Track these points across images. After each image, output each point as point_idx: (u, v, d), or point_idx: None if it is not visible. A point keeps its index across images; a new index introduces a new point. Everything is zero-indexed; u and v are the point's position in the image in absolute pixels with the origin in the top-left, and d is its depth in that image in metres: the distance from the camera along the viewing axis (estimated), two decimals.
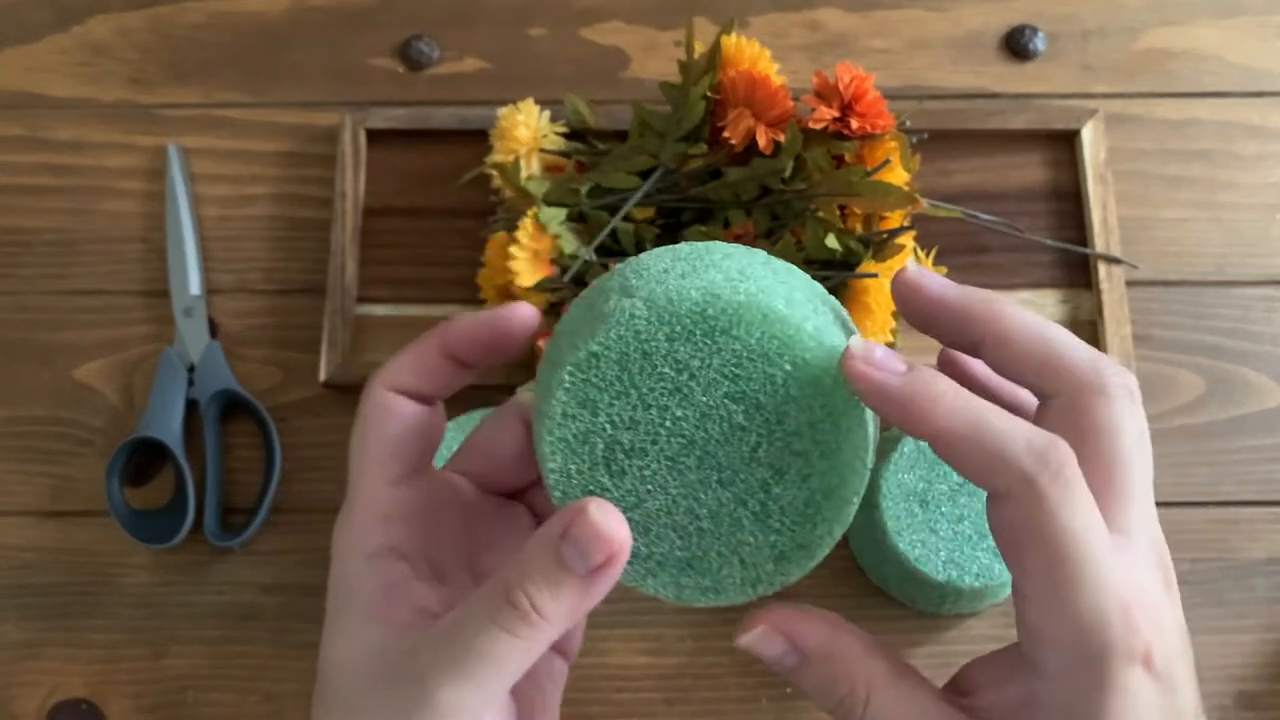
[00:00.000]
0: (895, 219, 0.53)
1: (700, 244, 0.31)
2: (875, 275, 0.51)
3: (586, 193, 0.54)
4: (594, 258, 0.53)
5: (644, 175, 0.54)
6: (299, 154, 0.63)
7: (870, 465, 0.29)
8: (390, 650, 0.29)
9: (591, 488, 0.28)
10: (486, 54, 0.65)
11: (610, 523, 0.27)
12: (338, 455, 0.57)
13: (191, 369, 0.57)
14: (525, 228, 0.52)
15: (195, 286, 0.59)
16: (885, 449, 0.52)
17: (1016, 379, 0.29)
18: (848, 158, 0.53)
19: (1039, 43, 0.64)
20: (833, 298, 0.32)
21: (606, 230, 0.53)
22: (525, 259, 0.52)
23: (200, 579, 0.55)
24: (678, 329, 0.28)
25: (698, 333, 0.28)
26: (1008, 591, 0.52)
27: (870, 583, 0.54)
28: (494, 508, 0.34)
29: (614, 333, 0.28)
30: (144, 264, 0.61)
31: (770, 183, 0.53)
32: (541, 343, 0.49)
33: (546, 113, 0.56)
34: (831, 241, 0.51)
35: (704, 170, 0.54)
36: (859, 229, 0.54)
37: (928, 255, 0.56)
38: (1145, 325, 0.59)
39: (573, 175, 0.55)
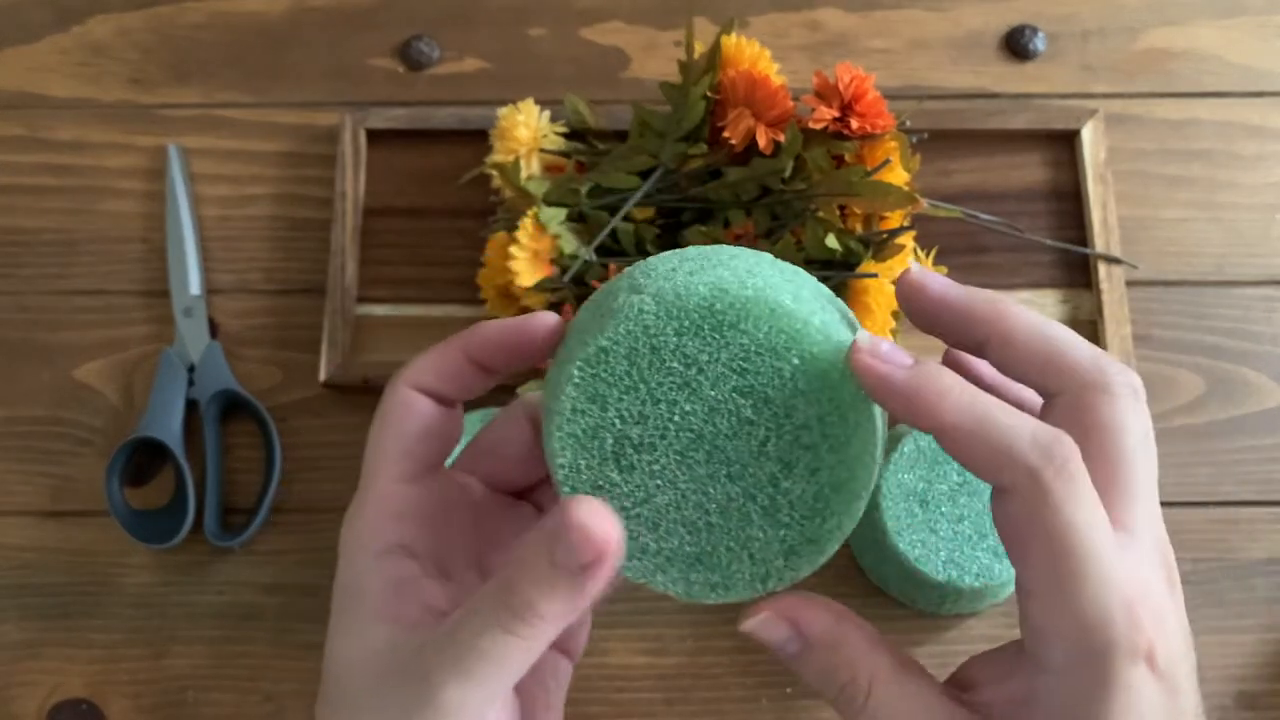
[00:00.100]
0: (895, 219, 0.53)
1: (707, 247, 0.31)
2: (875, 275, 0.51)
3: (586, 193, 0.54)
4: (594, 258, 0.53)
5: (644, 175, 0.54)
6: (299, 154, 0.63)
7: (879, 460, 0.29)
8: (398, 649, 0.29)
9: (600, 483, 0.28)
10: (486, 54, 0.65)
11: (597, 521, 0.27)
12: (338, 455, 0.57)
13: (191, 369, 0.57)
14: (525, 228, 0.52)
15: (195, 286, 0.59)
16: (885, 449, 0.52)
17: (1021, 378, 0.29)
18: (848, 158, 0.53)
19: (1039, 43, 0.64)
20: (838, 299, 0.32)
21: (606, 230, 0.53)
22: (525, 259, 0.52)
23: (200, 579, 0.55)
24: (686, 324, 0.28)
25: (706, 327, 0.28)
26: (1008, 591, 0.52)
27: (870, 583, 0.54)
28: (502, 507, 0.34)
29: (622, 328, 0.28)
30: (144, 264, 0.61)
31: (770, 183, 0.53)
32: None
33: (546, 113, 0.56)
34: (831, 241, 0.51)
35: (704, 170, 0.54)
36: (859, 229, 0.54)
37: (928, 255, 0.56)
38: (1145, 325, 0.59)
39: (573, 175, 0.55)
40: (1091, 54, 0.64)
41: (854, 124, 0.51)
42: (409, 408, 0.31)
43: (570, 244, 0.53)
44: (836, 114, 0.52)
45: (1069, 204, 0.61)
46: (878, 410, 0.29)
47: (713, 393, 0.28)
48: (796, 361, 0.28)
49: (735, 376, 0.28)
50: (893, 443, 0.52)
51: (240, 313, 0.59)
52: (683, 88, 0.54)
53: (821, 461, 0.28)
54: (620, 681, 0.53)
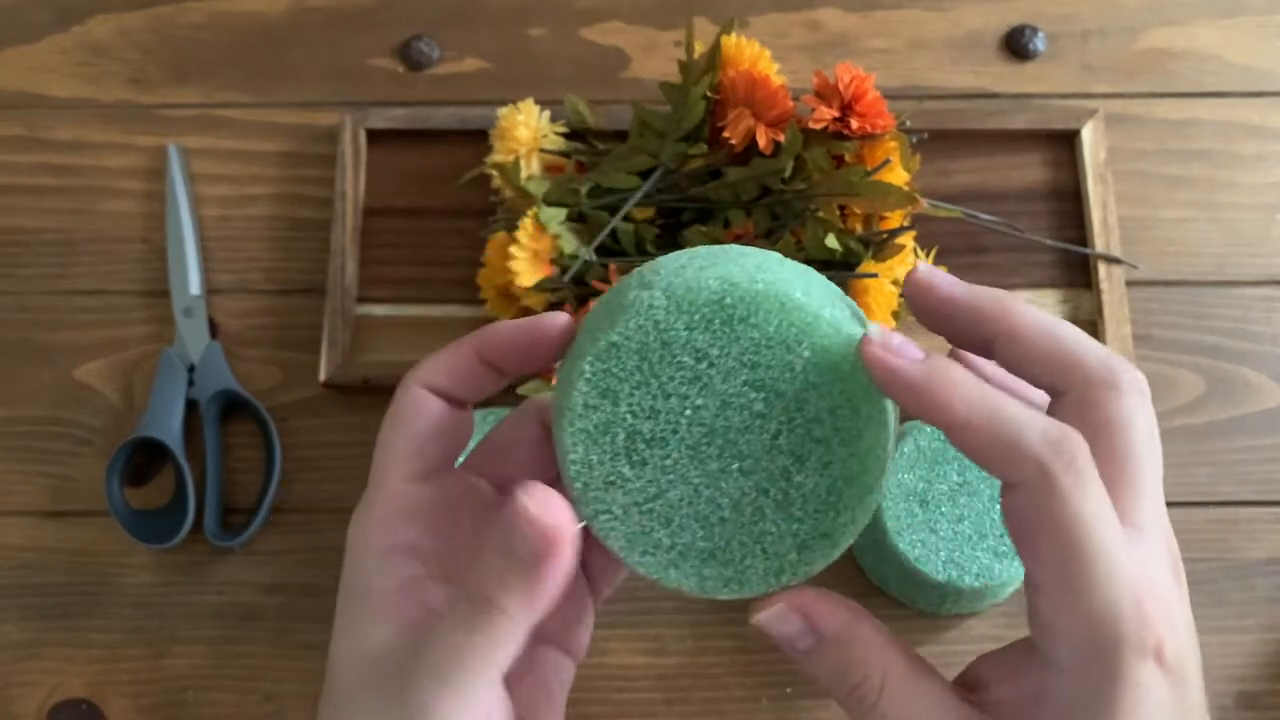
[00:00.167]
0: (895, 219, 0.53)
1: (715, 246, 0.31)
2: (875, 275, 0.51)
3: (586, 193, 0.54)
4: (594, 258, 0.53)
5: (644, 175, 0.54)
6: (299, 154, 0.63)
7: (891, 454, 0.29)
8: (393, 651, 0.29)
9: (612, 478, 0.28)
10: (486, 54, 0.65)
11: (547, 510, 0.27)
12: (338, 455, 0.57)
13: (191, 369, 0.57)
14: (525, 228, 0.52)
15: (195, 286, 0.59)
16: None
17: (1028, 375, 0.29)
18: (848, 158, 0.53)
19: (1039, 43, 0.64)
20: (847, 296, 0.32)
21: (606, 230, 0.53)
22: (525, 259, 0.52)
23: (200, 579, 0.55)
24: (696, 318, 0.28)
25: (716, 321, 0.28)
26: (1008, 591, 0.52)
27: (870, 583, 0.54)
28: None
29: (633, 322, 0.28)
30: (144, 264, 0.61)
31: (770, 183, 0.53)
32: None
33: (546, 113, 0.56)
34: (831, 241, 0.51)
35: (704, 170, 0.54)
36: (859, 229, 0.54)
37: (928, 255, 0.56)
38: (1145, 325, 0.59)
39: (573, 175, 0.55)
40: (1091, 54, 0.64)
41: (854, 124, 0.51)
42: (420, 407, 0.31)
43: (570, 244, 0.53)
44: (836, 114, 0.52)
45: (1069, 204, 0.61)
46: (889, 404, 0.29)
47: (724, 387, 0.28)
48: (807, 355, 0.28)
49: (746, 370, 0.28)
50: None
51: (240, 313, 0.59)
52: (683, 88, 0.54)
53: (833, 455, 0.28)
54: (620, 681, 0.53)
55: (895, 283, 0.52)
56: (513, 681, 0.31)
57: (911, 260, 0.53)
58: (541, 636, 0.33)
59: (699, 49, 0.54)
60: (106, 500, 0.54)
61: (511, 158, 0.55)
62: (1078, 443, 0.26)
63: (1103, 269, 0.58)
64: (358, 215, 0.60)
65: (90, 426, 0.57)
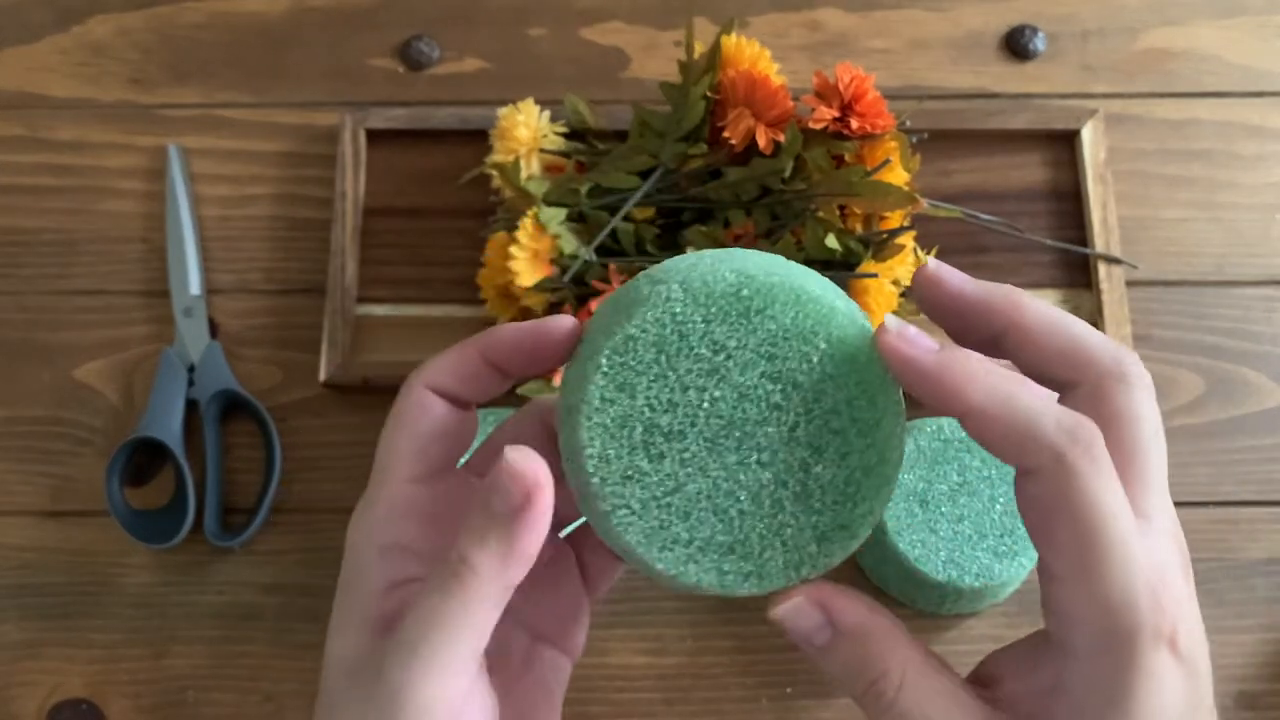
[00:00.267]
0: (895, 219, 0.53)
1: (720, 249, 0.31)
2: (875, 275, 0.51)
3: (586, 193, 0.54)
4: (594, 258, 0.53)
5: (644, 175, 0.54)
6: (299, 154, 0.63)
7: (905, 445, 0.29)
8: (376, 646, 0.29)
9: (630, 472, 0.28)
10: (486, 54, 0.65)
11: (527, 460, 0.27)
12: (338, 455, 0.57)
13: (191, 369, 0.57)
14: (525, 228, 0.52)
15: (195, 286, 0.59)
16: None
17: (1038, 368, 0.29)
18: (848, 158, 0.53)
19: (1039, 43, 0.64)
20: (847, 296, 0.32)
21: (606, 230, 0.53)
22: (525, 259, 0.52)
23: (200, 579, 0.55)
24: (713, 310, 0.28)
25: (733, 313, 0.28)
26: (1008, 591, 0.52)
27: (870, 583, 0.54)
28: None
29: (650, 315, 0.28)
30: (144, 264, 0.61)
31: (770, 183, 0.53)
32: None
33: (546, 113, 0.56)
34: (831, 241, 0.51)
35: (704, 170, 0.54)
36: (859, 229, 0.54)
37: (928, 255, 0.56)
38: (1145, 325, 0.59)
39: (573, 175, 0.55)
40: (1091, 54, 0.64)
41: (854, 124, 0.51)
42: (425, 408, 0.31)
43: (570, 244, 0.53)
44: (836, 114, 0.52)
45: (1069, 204, 0.61)
46: (902, 397, 0.29)
47: (741, 379, 0.28)
48: (824, 346, 0.28)
49: (764, 362, 0.28)
50: None
51: (240, 313, 0.59)
52: (683, 88, 0.54)
53: (851, 446, 0.28)
54: (620, 681, 0.53)
55: (895, 283, 0.52)
56: (511, 681, 0.31)
57: (911, 260, 0.53)
58: (539, 635, 0.33)
59: (699, 49, 0.54)
60: (106, 500, 0.54)
61: (511, 158, 0.55)
62: (1093, 430, 0.26)
63: (1103, 269, 0.58)
64: (358, 215, 0.60)
65: (90, 426, 0.57)
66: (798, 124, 0.52)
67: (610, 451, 0.28)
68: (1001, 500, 0.51)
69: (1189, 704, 0.26)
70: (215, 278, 0.60)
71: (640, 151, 0.54)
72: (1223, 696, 0.53)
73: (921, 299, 0.31)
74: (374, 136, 0.61)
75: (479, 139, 0.59)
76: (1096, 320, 0.58)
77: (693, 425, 0.28)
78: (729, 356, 0.28)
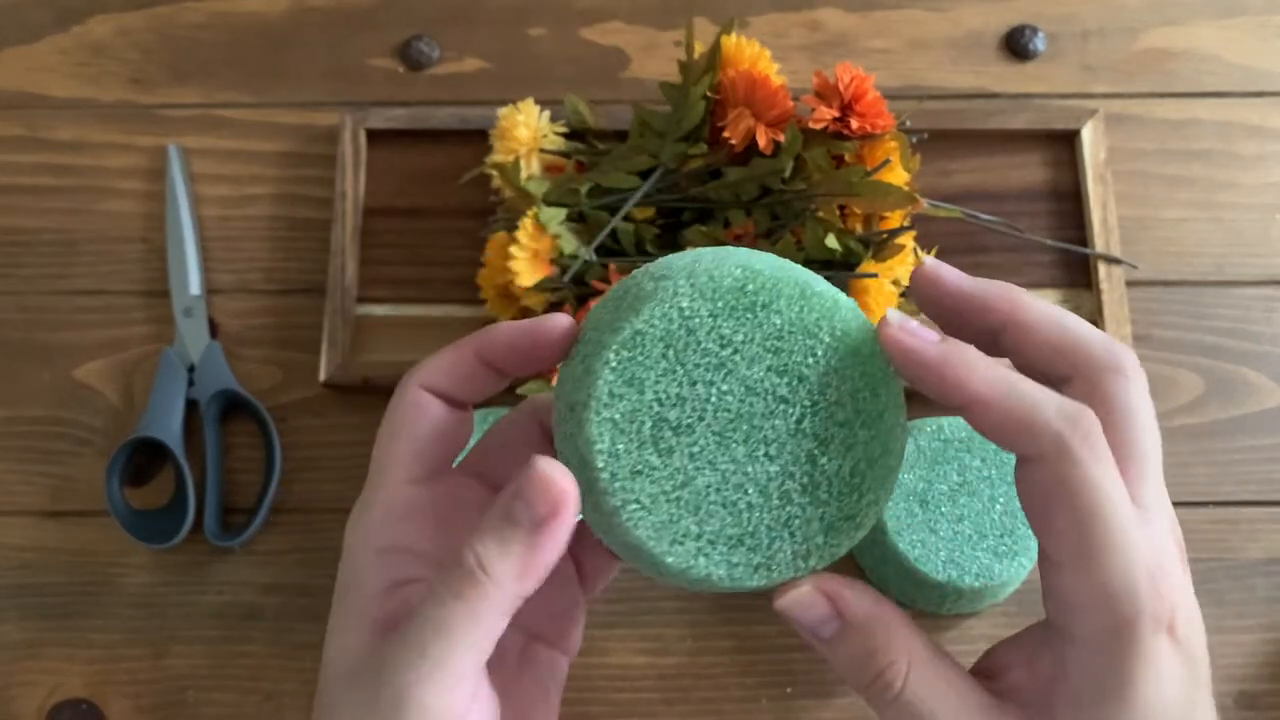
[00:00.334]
0: (895, 219, 0.53)
1: (719, 247, 0.31)
2: (875, 275, 0.51)
3: (586, 193, 0.54)
4: (594, 258, 0.53)
5: (644, 175, 0.54)
6: (299, 154, 0.63)
7: (907, 437, 0.29)
8: (376, 648, 0.29)
9: (639, 467, 0.28)
10: (486, 54, 0.65)
11: (556, 473, 0.27)
12: (338, 455, 0.57)
13: (191, 369, 0.57)
14: (525, 228, 0.52)
15: (195, 286, 0.59)
16: None
17: (1035, 363, 0.30)
18: (848, 158, 0.53)
19: (1039, 43, 0.64)
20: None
21: (606, 230, 0.53)
22: (525, 259, 0.52)
23: (200, 579, 0.55)
24: (720, 305, 0.28)
25: (740, 307, 0.28)
26: (1008, 591, 0.52)
27: (870, 583, 0.54)
28: None
29: (658, 310, 0.28)
30: (144, 264, 0.61)
31: (770, 183, 0.53)
32: None
33: (546, 113, 0.56)
34: (831, 241, 0.51)
35: (704, 170, 0.54)
36: (859, 229, 0.54)
37: (928, 255, 0.56)
38: (1145, 325, 0.59)
39: (573, 175, 0.55)
40: (1091, 54, 0.64)
41: (854, 124, 0.51)
42: (421, 409, 0.31)
43: (570, 244, 0.53)
44: (836, 114, 0.52)
45: (1069, 204, 0.61)
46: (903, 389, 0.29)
47: (748, 373, 0.28)
48: (828, 340, 0.29)
49: (770, 356, 0.28)
50: None
51: (240, 313, 0.59)
52: (683, 88, 0.54)
53: (855, 438, 0.29)
54: (620, 681, 0.53)
55: (895, 283, 0.52)
56: (509, 681, 0.31)
57: (911, 260, 0.53)
58: (535, 635, 0.33)
59: (699, 49, 0.54)
60: (106, 500, 0.54)
61: (511, 158, 0.55)
62: (1093, 418, 0.27)
63: (1103, 269, 0.58)
64: (358, 215, 0.60)
65: (90, 426, 0.57)
66: (798, 124, 0.52)
67: (619, 446, 0.28)
68: (1001, 500, 0.51)
69: (1188, 690, 0.27)
70: (215, 278, 0.60)
71: (640, 151, 0.54)
72: (1223, 696, 0.53)
73: (920, 297, 0.31)
74: (374, 136, 0.61)
75: (479, 139, 0.59)
76: (1096, 320, 0.58)
77: (701, 419, 0.28)
78: (736, 351, 0.28)
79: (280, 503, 0.56)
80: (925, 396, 0.28)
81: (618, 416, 0.28)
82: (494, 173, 0.56)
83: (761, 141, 0.52)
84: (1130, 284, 0.59)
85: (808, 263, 0.52)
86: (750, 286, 0.28)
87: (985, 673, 0.30)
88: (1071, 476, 0.26)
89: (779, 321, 0.28)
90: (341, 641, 0.29)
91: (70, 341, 0.59)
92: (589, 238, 0.53)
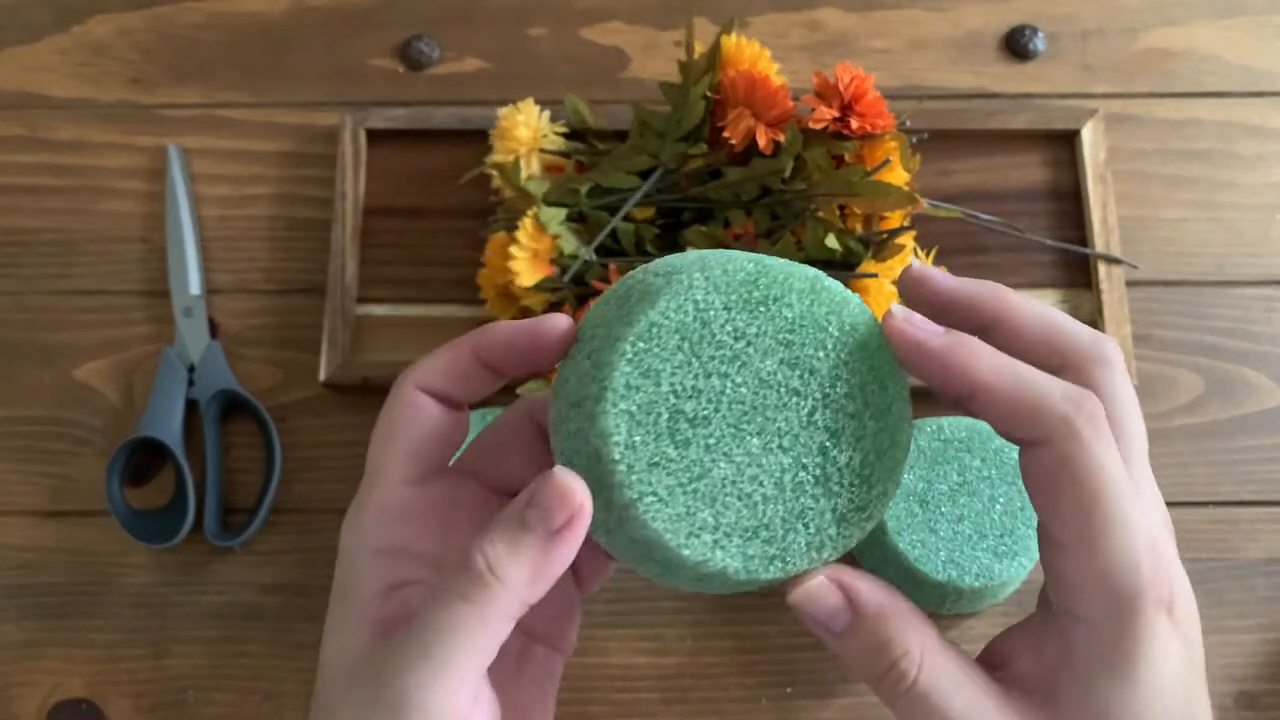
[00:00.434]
0: (895, 219, 0.53)
1: (718, 249, 0.31)
2: (875, 275, 0.51)
3: (586, 193, 0.54)
4: (594, 258, 0.53)
5: (644, 175, 0.54)
6: (299, 154, 0.63)
7: (913, 430, 0.29)
8: (375, 649, 0.29)
9: (657, 459, 0.28)
10: (486, 54, 0.65)
11: (574, 483, 0.27)
12: (338, 455, 0.57)
13: (191, 369, 0.57)
14: (525, 228, 0.52)
15: (195, 286, 0.59)
16: None
17: (1025, 357, 0.30)
18: (848, 158, 0.53)
19: (1039, 43, 0.64)
20: None
21: (606, 230, 0.53)
22: (525, 259, 0.52)
23: (200, 579, 0.55)
24: (734, 298, 0.29)
25: (752, 301, 0.29)
26: (1008, 591, 0.52)
27: None
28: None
29: (673, 303, 0.28)
30: (144, 264, 0.61)
31: (770, 183, 0.53)
32: None
33: (546, 113, 0.56)
34: (831, 241, 0.51)
35: (704, 170, 0.54)
36: (859, 229, 0.54)
37: (928, 255, 0.56)
38: (1145, 325, 0.59)
39: (573, 175, 0.55)
40: (1091, 54, 0.64)
41: (854, 124, 0.51)
42: (417, 410, 0.31)
43: (570, 244, 0.53)
44: (836, 114, 0.52)
45: (1069, 204, 0.61)
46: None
47: (761, 365, 0.29)
48: (837, 333, 0.29)
49: (782, 349, 0.29)
50: None
51: (240, 313, 0.59)
52: (683, 88, 0.54)
53: (865, 430, 0.29)
54: (620, 681, 0.53)
55: (895, 283, 0.52)
56: (506, 681, 0.31)
57: (911, 260, 0.53)
58: (531, 634, 0.33)
59: (699, 49, 0.54)
60: (106, 500, 0.54)
61: (511, 158, 0.55)
62: (1096, 401, 0.28)
63: (1103, 269, 0.58)
64: (358, 215, 0.60)
65: (90, 426, 0.57)
66: (798, 124, 0.52)
67: (636, 439, 0.28)
68: (1001, 500, 0.51)
69: (1187, 670, 0.27)
70: (215, 278, 0.60)
71: (640, 151, 0.54)
72: (1223, 696, 0.53)
73: (908, 299, 0.31)
74: (374, 136, 0.61)
75: (479, 139, 0.59)
76: (1096, 320, 0.58)
77: (716, 411, 0.29)
78: (749, 344, 0.29)
79: (280, 503, 0.56)
80: (926, 398, 0.28)
81: (634, 409, 0.28)
82: (494, 173, 0.56)
83: (761, 141, 0.52)
84: (1130, 284, 0.59)
85: (808, 262, 0.52)
86: (763, 280, 0.29)
87: (990, 662, 0.30)
88: (1077, 457, 0.27)
89: (790, 315, 0.29)
90: (340, 643, 0.29)
91: (70, 341, 0.59)
92: (589, 238, 0.53)
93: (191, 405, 0.57)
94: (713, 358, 0.28)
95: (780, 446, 0.29)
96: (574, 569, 0.34)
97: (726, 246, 0.48)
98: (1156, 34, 0.65)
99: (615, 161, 0.54)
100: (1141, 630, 0.27)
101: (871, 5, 0.65)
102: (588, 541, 0.31)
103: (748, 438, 0.29)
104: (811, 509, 0.29)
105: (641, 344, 0.28)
